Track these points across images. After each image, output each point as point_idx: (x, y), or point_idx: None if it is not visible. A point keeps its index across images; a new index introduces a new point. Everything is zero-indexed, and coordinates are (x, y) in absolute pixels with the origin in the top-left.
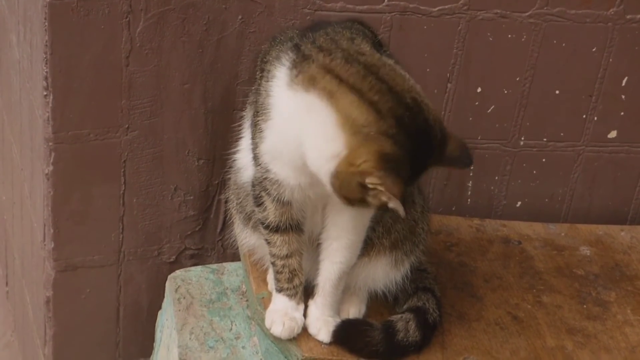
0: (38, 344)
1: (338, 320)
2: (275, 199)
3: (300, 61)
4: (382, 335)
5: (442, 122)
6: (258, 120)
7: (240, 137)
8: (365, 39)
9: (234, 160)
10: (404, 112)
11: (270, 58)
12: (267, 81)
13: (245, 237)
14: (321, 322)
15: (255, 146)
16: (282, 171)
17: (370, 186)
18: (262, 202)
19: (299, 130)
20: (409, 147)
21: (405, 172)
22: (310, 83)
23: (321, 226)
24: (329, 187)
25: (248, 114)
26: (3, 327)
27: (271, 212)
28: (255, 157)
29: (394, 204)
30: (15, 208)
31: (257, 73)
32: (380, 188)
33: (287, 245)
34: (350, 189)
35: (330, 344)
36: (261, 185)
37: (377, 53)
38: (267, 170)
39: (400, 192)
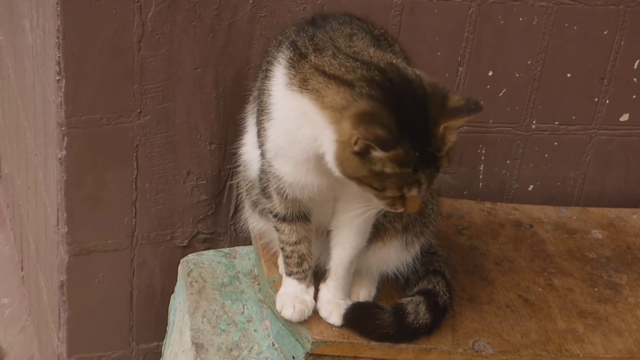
0: (52, 328)
1: (349, 303)
2: (280, 192)
3: (297, 60)
4: (393, 318)
5: (429, 79)
6: (262, 119)
7: (245, 132)
8: (367, 35)
9: (240, 155)
10: (374, 73)
11: (271, 58)
12: (269, 80)
13: (254, 221)
14: (332, 305)
15: (261, 143)
16: (283, 168)
17: (359, 149)
18: (270, 195)
19: (300, 130)
20: (384, 98)
21: (387, 120)
22: (304, 84)
23: (330, 218)
24: (344, 179)
25: (251, 110)
26: (19, 311)
27: (277, 204)
28: (262, 153)
29: (384, 151)
30: (30, 193)
31: (260, 73)
32: (365, 142)
33: (296, 233)
34: (353, 166)
35: (341, 327)
36: (267, 178)
37: (371, 47)
38: (271, 166)
39: (382, 135)
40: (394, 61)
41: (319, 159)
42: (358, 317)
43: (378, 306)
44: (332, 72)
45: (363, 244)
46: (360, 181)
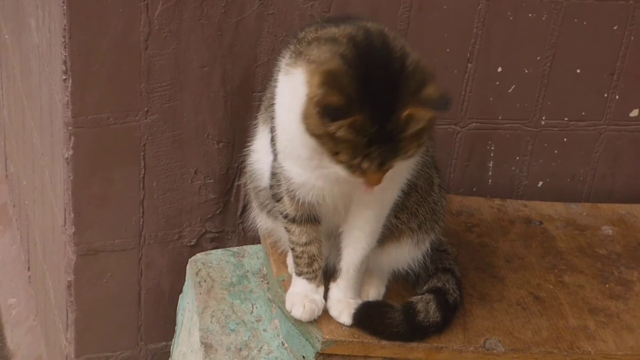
0: (60, 329)
1: (359, 302)
2: (290, 195)
3: (296, 46)
4: (403, 316)
5: (416, 59)
6: (272, 120)
7: (255, 137)
8: None
9: (249, 164)
10: (359, 32)
11: (278, 67)
12: (275, 78)
13: (262, 220)
14: (343, 305)
15: (273, 147)
16: (293, 169)
17: (318, 108)
18: (281, 197)
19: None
20: (356, 61)
21: (347, 86)
22: (298, 58)
23: (341, 221)
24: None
25: (262, 118)
26: (26, 311)
27: (288, 206)
28: (274, 156)
29: (331, 120)
30: (36, 193)
31: (272, 82)
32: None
33: (306, 234)
34: (313, 123)
35: (351, 326)
36: (278, 179)
37: None
38: (281, 167)
39: (335, 102)
40: (386, 30)
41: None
42: (368, 316)
43: (388, 305)
44: (323, 36)
45: (374, 244)
46: (318, 139)
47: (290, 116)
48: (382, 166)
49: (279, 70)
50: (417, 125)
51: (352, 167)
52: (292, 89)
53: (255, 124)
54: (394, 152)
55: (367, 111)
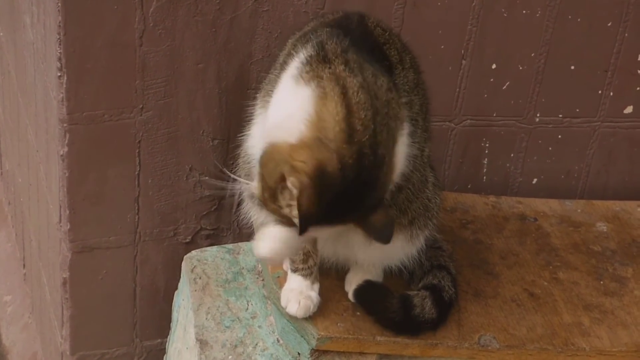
0: (55, 326)
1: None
2: None
3: (318, 61)
4: (400, 305)
5: (386, 191)
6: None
7: (251, 123)
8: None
9: (244, 148)
10: (369, 152)
11: (292, 51)
12: (282, 71)
13: (255, 214)
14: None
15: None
16: None
17: (288, 184)
18: None
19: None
20: (347, 183)
21: (326, 200)
22: (313, 80)
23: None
24: (257, 157)
25: (260, 101)
26: (21, 309)
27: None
28: None
29: (294, 218)
30: (31, 190)
31: (275, 64)
32: (294, 192)
33: None
34: (270, 173)
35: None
36: None
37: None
38: None
39: (308, 213)
40: (386, 152)
41: None
42: (369, 294)
43: (388, 289)
44: (348, 95)
45: None
46: (262, 182)
47: (279, 122)
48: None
49: (289, 65)
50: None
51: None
52: (293, 102)
53: (253, 107)
54: None
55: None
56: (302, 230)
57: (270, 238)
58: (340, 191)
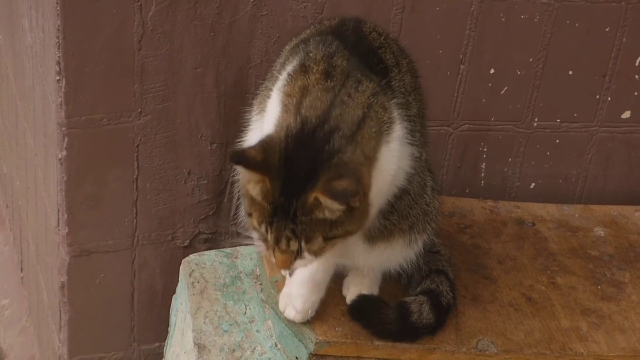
0: (53, 329)
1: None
2: None
3: (298, 70)
4: (396, 314)
5: (346, 157)
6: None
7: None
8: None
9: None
10: (298, 124)
11: (285, 61)
12: (275, 81)
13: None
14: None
15: None
16: None
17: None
18: None
19: None
20: (296, 141)
21: (275, 155)
22: (290, 90)
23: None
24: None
25: (257, 108)
26: (18, 312)
27: None
28: None
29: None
30: (29, 193)
31: (271, 72)
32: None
33: None
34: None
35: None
36: None
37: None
38: None
39: (252, 153)
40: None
41: None
42: (363, 309)
43: (383, 301)
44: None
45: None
46: (244, 194)
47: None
48: (278, 242)
49: (281, 75)
50: (321, 213)
51: (261, 236)
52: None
53: (250, 113)
54: (293, 233)
55: (279, 181)
56: (272, 193)
57: (294, 296)
58: (289, 153)
